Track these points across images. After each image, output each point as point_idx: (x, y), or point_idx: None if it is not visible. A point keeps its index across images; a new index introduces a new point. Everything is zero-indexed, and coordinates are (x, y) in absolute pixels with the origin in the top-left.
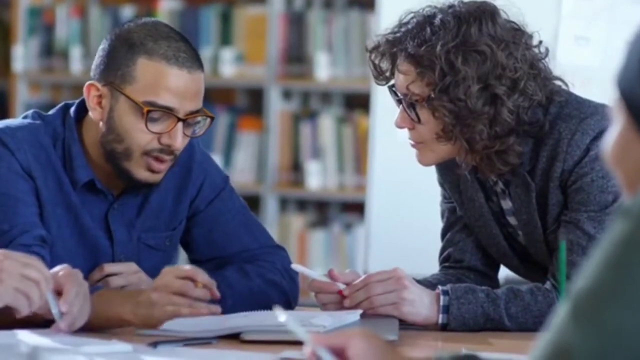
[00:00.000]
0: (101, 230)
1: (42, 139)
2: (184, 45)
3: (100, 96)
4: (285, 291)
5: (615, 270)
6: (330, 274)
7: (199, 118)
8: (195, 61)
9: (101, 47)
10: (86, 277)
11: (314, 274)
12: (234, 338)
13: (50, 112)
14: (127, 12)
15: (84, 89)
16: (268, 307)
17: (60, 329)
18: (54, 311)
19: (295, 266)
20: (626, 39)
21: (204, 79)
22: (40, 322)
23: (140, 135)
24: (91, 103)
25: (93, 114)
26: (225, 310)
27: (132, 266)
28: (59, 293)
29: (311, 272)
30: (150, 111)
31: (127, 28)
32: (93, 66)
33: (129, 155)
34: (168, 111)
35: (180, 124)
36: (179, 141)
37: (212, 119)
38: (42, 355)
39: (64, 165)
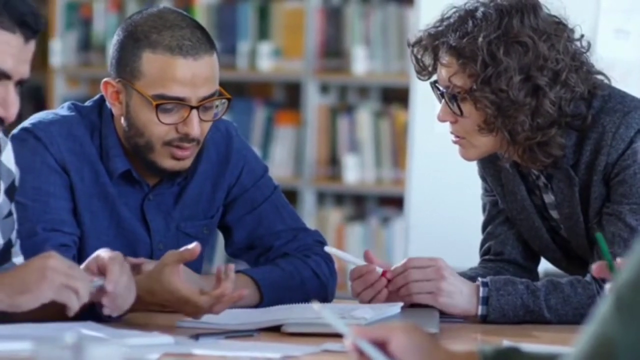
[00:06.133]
0: (138, 221)
1: (76, 131)
2: (189, 31)
3: (117, 92)
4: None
5: None
6: (366, 255)
7: (216, 102)
8: (202, 45)
9: (112, 42)
10: None
11: (348, 257)
12: (275, 330)
13: (87, 103)
14: (165, 5)
15: (101, 87)
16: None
17: (107, 305)
18: (97, 284)
19: (329, 249)
20: None
21: (216, 60)
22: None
23: (156, 127)
24: (110, 99)
25: (114, 110)
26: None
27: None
28: (102, 274)
29: (345, 254)
30: (160, 104)
31: (133, 21)
32: (109, 62)
33: (151, 147)
34: (179, 101)
35: (194, 112)
36: (196, 129)
37: (230, 100)
38: (86, 347)
39: (100, 156)
